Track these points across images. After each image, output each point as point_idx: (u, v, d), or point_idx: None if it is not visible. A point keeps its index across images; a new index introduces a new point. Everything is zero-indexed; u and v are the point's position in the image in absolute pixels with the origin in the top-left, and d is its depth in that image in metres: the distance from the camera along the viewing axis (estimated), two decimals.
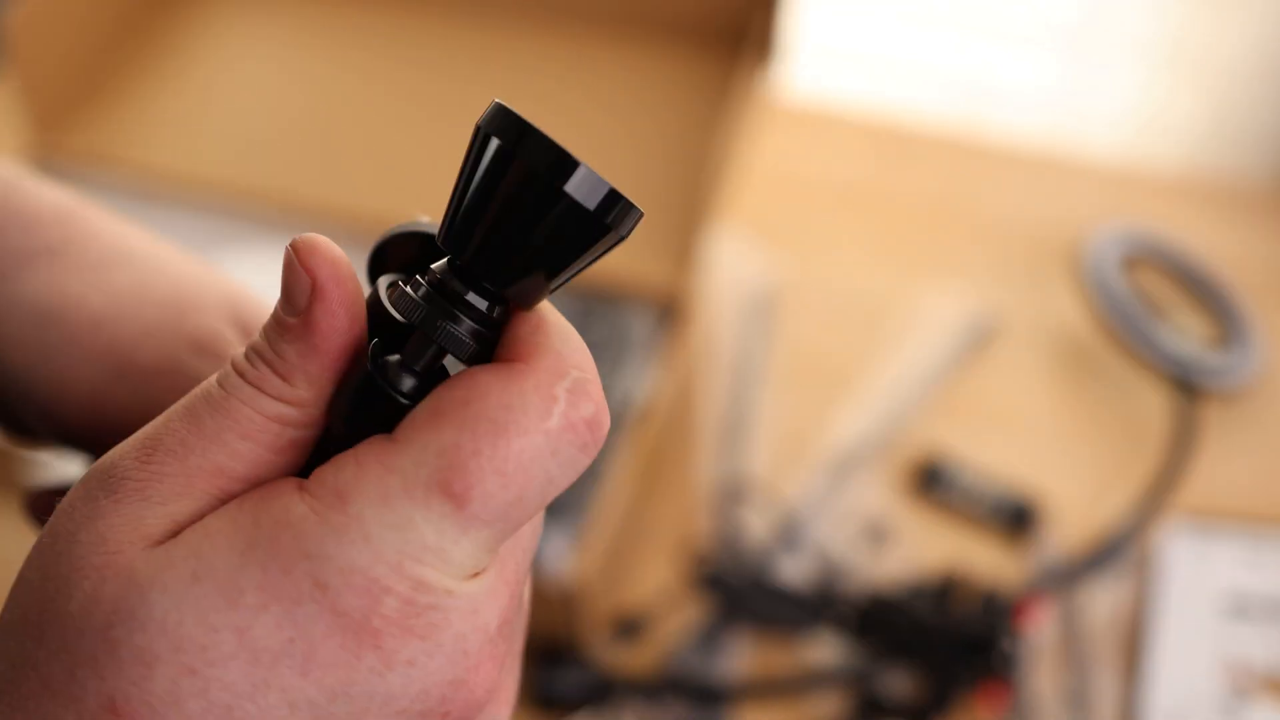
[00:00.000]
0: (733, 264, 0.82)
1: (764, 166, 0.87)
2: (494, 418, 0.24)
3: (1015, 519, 0.71)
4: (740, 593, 0.67)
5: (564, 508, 0.67)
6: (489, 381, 0.24)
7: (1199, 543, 0.69)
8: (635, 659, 0.66)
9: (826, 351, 0.79)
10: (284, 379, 0.26)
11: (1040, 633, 0.66)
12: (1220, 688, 0.64)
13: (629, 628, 0.67)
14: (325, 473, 0.24)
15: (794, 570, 0.69)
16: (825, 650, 0.66)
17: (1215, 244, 0.82)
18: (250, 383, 0.26)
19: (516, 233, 0.25)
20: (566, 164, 0.24)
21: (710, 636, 0.67)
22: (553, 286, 0.26)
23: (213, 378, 0.26)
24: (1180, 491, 0.72)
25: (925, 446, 0.74)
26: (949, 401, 0.77)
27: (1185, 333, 0.76)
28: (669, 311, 0.75)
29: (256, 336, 0.27)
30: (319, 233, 0.27)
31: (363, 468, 0.24)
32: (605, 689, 0.64)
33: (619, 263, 0.76)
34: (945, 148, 0.90)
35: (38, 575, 0.25)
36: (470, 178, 0.25)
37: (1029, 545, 0.70)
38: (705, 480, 0.73)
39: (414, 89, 0.88)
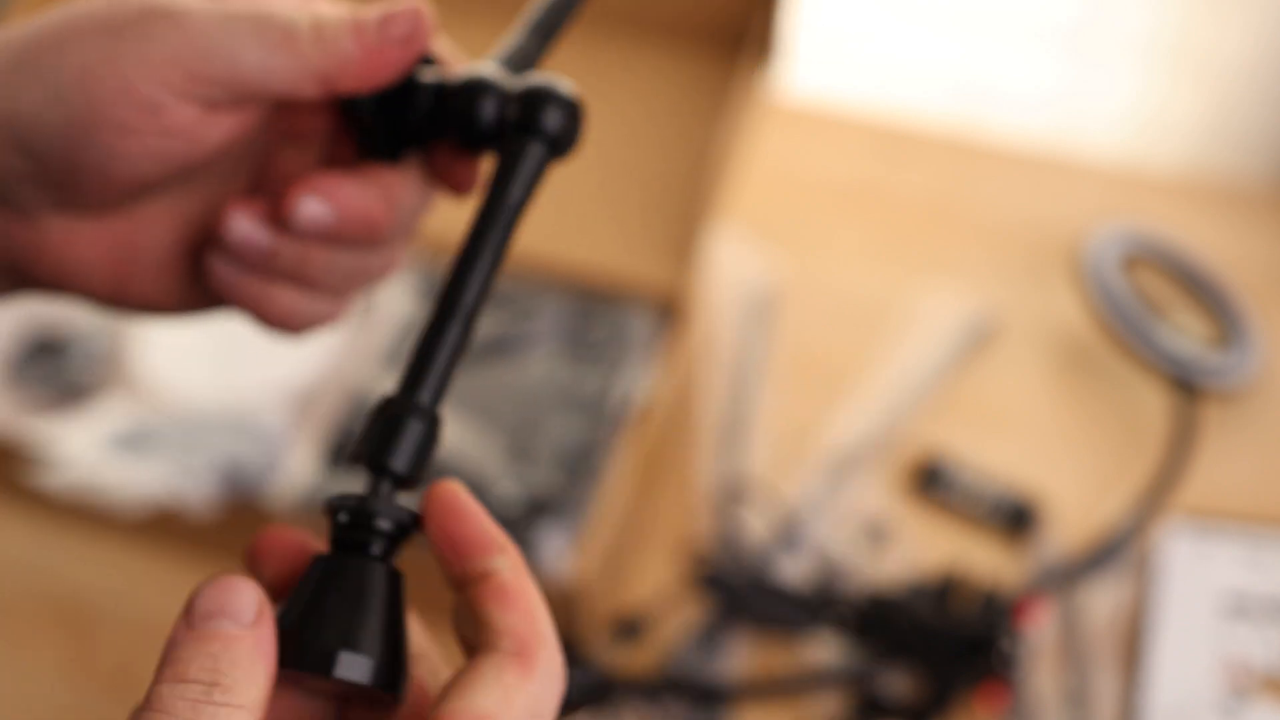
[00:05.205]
0: (733, 264, 0.82)
1: (764, 166, 0.87)
2: None
3: (1015, 519, 0.71)
4: (740, 593, 0.67)
5: (564, 507, 0.67)
6: None
7: (1199, 543, 0.69)
8: (635, 659, 0.66)
9: (826, 351, 0.79)
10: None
11: (1040, 633, 0.66)
12: (1220, 688, 0.64)
13: (629, 628, 0.67)
14: None
15: (794, 570, 0.69)
16: (825, 650, 0.66)
17: (1215, 244, 0.82)
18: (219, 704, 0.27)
19: None
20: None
21: (710, 636, 0.67)
22: None
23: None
24: (1180, 491, 0.71)
25: (925, 446, 0.74)
26: (949, 401, 0.76)
27: (1185, 333, 0.76)
28: (669, 311, 0.75)
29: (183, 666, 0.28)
30: None
31: None
32: (605, 689, 0.64)
33: (619, 263, 0.76)
34: (945, 148, 0.90)
35: None
36: None
37: (1029, 545, 0.70)
38: (705, 480, 0.73)
39: None
